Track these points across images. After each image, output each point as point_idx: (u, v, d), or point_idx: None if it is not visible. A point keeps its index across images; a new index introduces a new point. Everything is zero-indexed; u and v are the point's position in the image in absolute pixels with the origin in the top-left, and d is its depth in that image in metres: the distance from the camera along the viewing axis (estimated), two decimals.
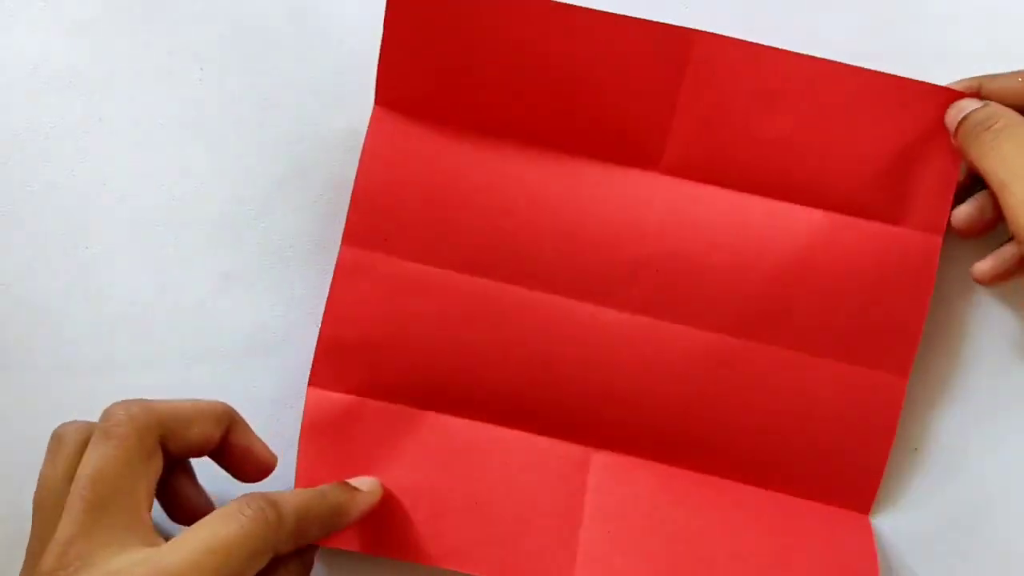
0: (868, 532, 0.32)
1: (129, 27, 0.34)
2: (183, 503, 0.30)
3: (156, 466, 0.26)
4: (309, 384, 0.32)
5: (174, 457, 0.27)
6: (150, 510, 0.26)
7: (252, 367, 0.34)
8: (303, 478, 0.31)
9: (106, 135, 0.33)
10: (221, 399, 0.34)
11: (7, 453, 0.33)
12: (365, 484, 0.31)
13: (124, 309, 0.33)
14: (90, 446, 0.25)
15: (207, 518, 0.25)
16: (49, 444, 0.27)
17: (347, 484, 0.30)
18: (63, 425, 0.27)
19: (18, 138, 0.33)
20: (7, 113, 0.33)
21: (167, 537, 0.25)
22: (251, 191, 0.34)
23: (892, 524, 0.33)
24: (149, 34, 0.34)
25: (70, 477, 0.25)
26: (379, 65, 0.31)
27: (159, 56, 0.34)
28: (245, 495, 0.26)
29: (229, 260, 0.34)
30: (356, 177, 0.32)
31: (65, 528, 0.24)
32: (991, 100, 0.31)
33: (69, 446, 0.26)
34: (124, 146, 0.34)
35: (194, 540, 0.24)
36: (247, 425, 0.30)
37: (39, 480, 0.26)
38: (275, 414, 0.33)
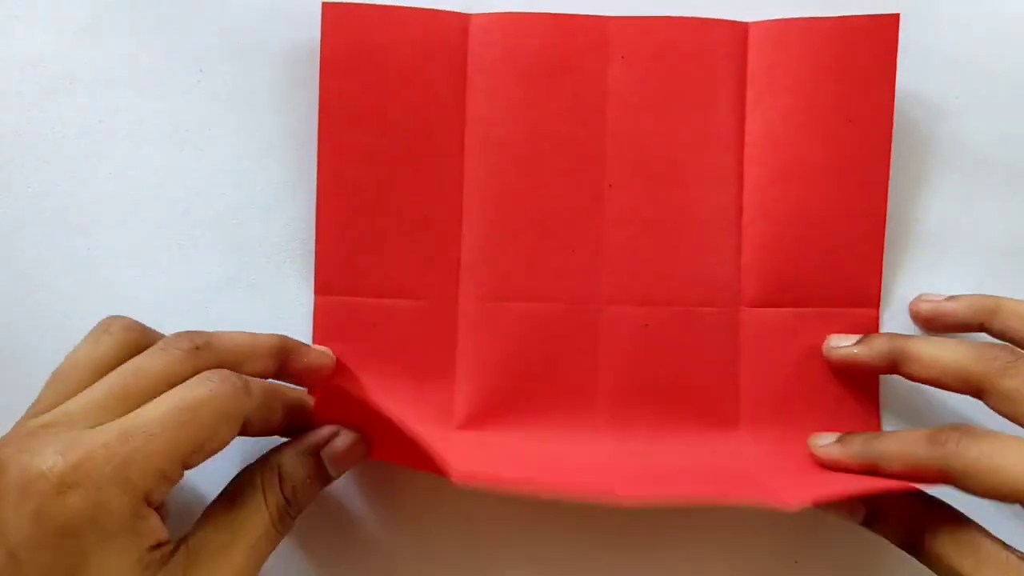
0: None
1: (129, 29, 0.34)
2: None
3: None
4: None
5: None
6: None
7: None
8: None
9: (106, 137, 0.34)
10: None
11: None
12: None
13: (126, 311, 0.33)
14: (144, 353, 0.26)
15: (178, 386, 0.25)
16: (95, 329, 0.27)
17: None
18: (117, 317, 0.28)
19: (18, 140, 0.33)
20: (7, 115, 0.33)
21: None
22: (253, 193, 0.34)
23: None
24: (149, 36, 0.34)
25: (106, 366, 0.26)
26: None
27: (159, 58, 0.34)
28: (211, 369, 0.26)
29: (231, 262, 0.34)
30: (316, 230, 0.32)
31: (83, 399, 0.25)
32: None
33: (115, 336, 0.27)
34: (124, 148, 0.34)
35: (164, 400, 0.25)
36: (303, 348, 0.31)
37: (72, 356, 0.27)
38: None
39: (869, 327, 0.33)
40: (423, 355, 0.33)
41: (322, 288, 0.32)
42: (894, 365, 0.31)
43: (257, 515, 0.27)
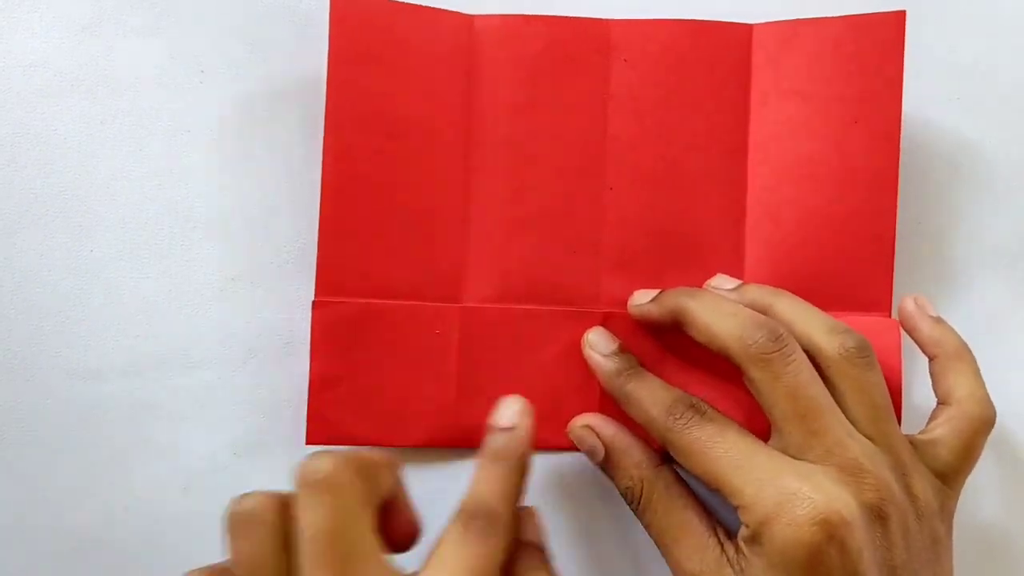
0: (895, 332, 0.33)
1: (130, 30, 0.34)
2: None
3: (374, 510, 0.26)
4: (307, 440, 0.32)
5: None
6: (385, 552, 0.26)
7: (257, 370, 0.34)
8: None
9: (108, 138, 0.33)
10: (227, 402, 0.34)
11: (13, 456, 0.33)
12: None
13: (129, 312, 0.33)
14: (308, 503, 0.25)
15: (447, 545, 0.26)
16: (231, 524, 0.26)
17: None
18: (239, 500, 0.26)
19: (20, 141, 0.33)
20: (9, 116, 0.33)
21: None
22: (253, 194, 0.34)
23: None
24: (150, 37, 0.34)
25: (280, 547, 0.25)
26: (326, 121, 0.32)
27: (161, 59, 0.34)
28: (461, 517, 0.26)
29: (234, 263, 0.34)
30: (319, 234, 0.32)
31: None
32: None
33: (265, 516, 0.25)
34: (126, 149, 0.34)
35: (454, 565, 0.25)
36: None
37: (236, 556, 0.25)
38: (280, 417, 0.33)
39: (888, 333, 0.33)
40: (424, 356, 0.33)
41: (323, 288, 0.32)
42: (681, 324, 0.31)
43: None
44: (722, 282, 0.33)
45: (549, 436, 0.33)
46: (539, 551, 0.28)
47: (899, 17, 0.32)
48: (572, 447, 0.33)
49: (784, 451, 0.28)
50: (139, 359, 0.33)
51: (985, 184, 0.35)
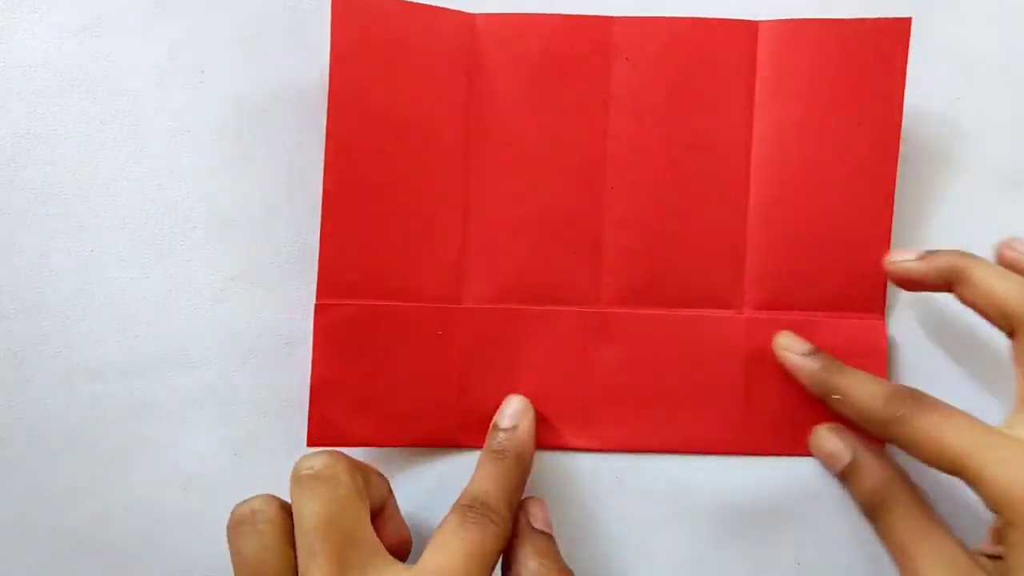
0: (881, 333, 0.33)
1: (131, 31, 0.34)
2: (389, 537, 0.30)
3: (368, 503, 0.27)
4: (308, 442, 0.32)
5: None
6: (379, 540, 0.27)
7: (257, 370, 0.34)
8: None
9: (108, 138, 0.34)
10: (227, 402, 0.34)
11: (15, 456, 0.33)
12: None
13: (129, 312, 0.33)
14: (302, 496, 0.26)
15: (444, 532, 0.26)
16: (234, 522, 0.27)
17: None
18: (241, 505, 0.27)
19: (21, 141, 0.33)
20: (9, 116, 0.33)
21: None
22: (254, 194, 0.34)
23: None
24: (151, 38, 0.34)
25: (284, 542, 0.26)
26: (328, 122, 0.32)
27: (161, 60, 0.34)
28: (459, 507, 0.27)
29: (234, 263, 0.34)
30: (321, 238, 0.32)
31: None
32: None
33: (268, 513, 0.26)
34: (127, 149, 0.34)
35: (451, 548, 0.26)
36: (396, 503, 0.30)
37: (240, 558, 0.26)
38: (281, 417, 0.33)
39: (874, 335, 0.33)
40: (425, 358, 0.33)
41: (325, 290, 0.32)
42: (949, 284, 0.30)
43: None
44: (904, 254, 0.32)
45: (551, 436, 0.33)
46: (544, 536, 0.29)
47: (904, 24, 0.32)
48: (572, 446, 0.33)
49: None
50: (139, 359, 0.33)
51: (984, 184, 0.34)
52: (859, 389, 0.30)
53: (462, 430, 0.33)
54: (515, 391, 0.33)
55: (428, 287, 0.33)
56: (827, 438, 0.32)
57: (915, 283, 0.32)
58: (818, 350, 0.32)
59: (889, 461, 0.31)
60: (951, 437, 0.27)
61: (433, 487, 0.34)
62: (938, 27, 0.35)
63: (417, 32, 0.32)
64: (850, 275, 0.33)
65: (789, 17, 0.33)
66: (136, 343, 0.33)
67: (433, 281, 0.33)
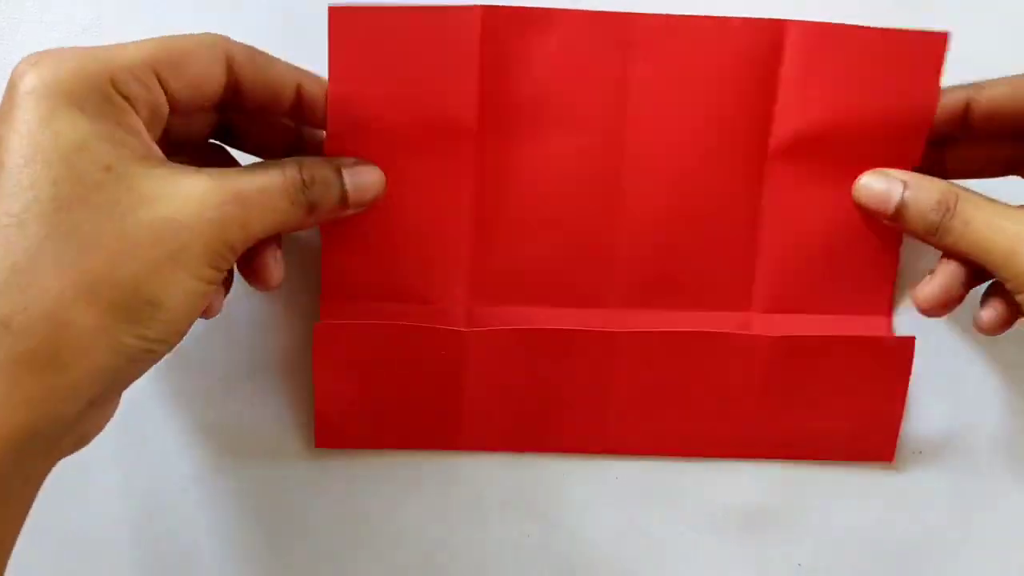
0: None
1: (131, 31, 0.34)
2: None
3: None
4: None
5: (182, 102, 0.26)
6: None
7: (258, 373, 0.34)
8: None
9: None
10: (227, 403, 0.33)
11: None
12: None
13: None
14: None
15: (254, 169, 0.26)
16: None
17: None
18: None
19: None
20: None
21: None
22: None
23: None
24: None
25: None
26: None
27: None
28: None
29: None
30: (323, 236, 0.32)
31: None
32: (981, 111, 0.30)
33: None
34: None
35: (256, 175, 0.26)
36: (259, 54, 0.28)
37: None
38: (282, 420, 0.33)
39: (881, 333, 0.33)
40: (429, 369, 0.32)
41: (328, 292, 0.32)
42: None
43: (282, 168, 0.27)
44: None
45: (555, 439, 0.33)
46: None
47: (941, 38, 0.30)
48: (582, 451, 0.33)
49: None
50: None
51: (984, 186, 0.34)
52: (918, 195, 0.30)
53: (467, 435, 0.33)
54: (519, 396, 0.33)
55: (433, 288, 0.32)
56: (874, 178, 0.31)
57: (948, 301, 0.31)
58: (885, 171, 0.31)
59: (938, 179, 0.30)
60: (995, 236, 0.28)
61: (433, 486, 0.34)
62: (940, 25, 0.35)
63: (421, 35, 0.30)
64: (860, 278, 0.33)
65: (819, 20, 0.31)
66: None
67: (438, 283, 0.32)
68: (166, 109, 0.26)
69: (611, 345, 0.32)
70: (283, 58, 0.32)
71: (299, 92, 0.29)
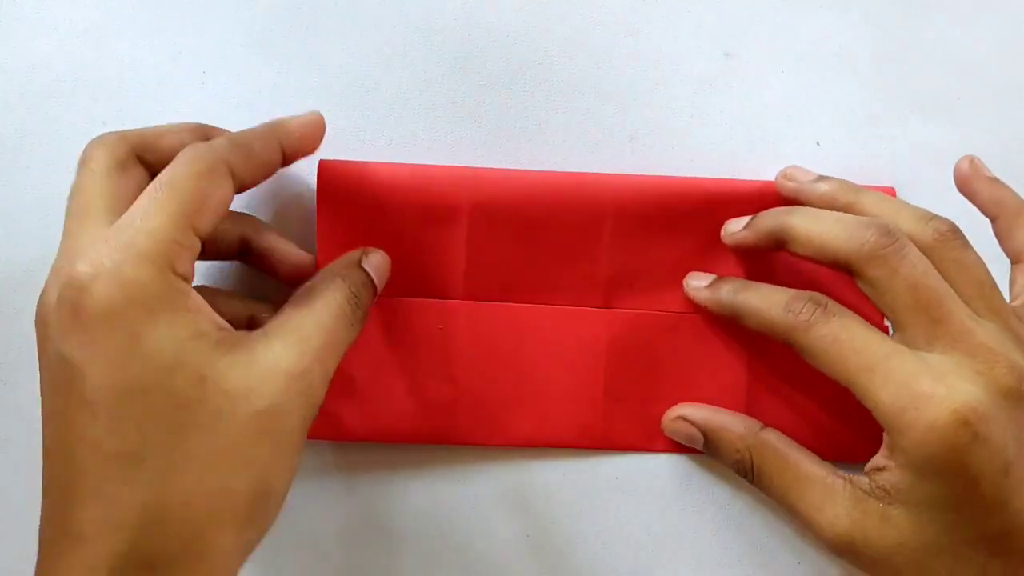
0: None
1: (132, 31, 0.34)
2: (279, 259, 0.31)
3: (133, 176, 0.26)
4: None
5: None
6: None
7: None
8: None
9: None
10: None
11: (18, 457, 0.33)
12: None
13: None
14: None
15: (308, 304, 0.26)
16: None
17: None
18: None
19: (22, 141, 0.33)
20: (11, 116, 0.34)
21: None
22: (256, 197, 0.34)
23: None
24: (153, 38, 0.34)
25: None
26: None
27: (162, 61, 0.34)
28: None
29: (236, 268, 0.34)
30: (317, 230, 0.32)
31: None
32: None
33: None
34: None
35: (148, 188, 0.25)
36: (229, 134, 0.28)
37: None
38: None
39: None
40: (424, 355, 0.33)
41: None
42: (782, 243, 0.30)
43: (330, 295, 0.27)
44: (800, 173, 0.32)
45: (552, 434, 0.33)
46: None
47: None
48: (574, 444, 0.33)
49: (910, 346, 0.27)
50: None
51: None
52: (757, 300, 0.30)
53: (461, 429, 0.33)
54: (515, 389, 0.33)
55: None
56: (677, 426, 0.32)
57: (753, 252, 0.32)
58: (720, 278, 0.32)
59: (747, 423, 0.31)
60: (849, 351, 0.27)
61: (433, 484, 0.34)
62: (937, 26, 0.35)
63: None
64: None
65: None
66: None
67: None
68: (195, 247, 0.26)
69: (600, 325, 0.33)
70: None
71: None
